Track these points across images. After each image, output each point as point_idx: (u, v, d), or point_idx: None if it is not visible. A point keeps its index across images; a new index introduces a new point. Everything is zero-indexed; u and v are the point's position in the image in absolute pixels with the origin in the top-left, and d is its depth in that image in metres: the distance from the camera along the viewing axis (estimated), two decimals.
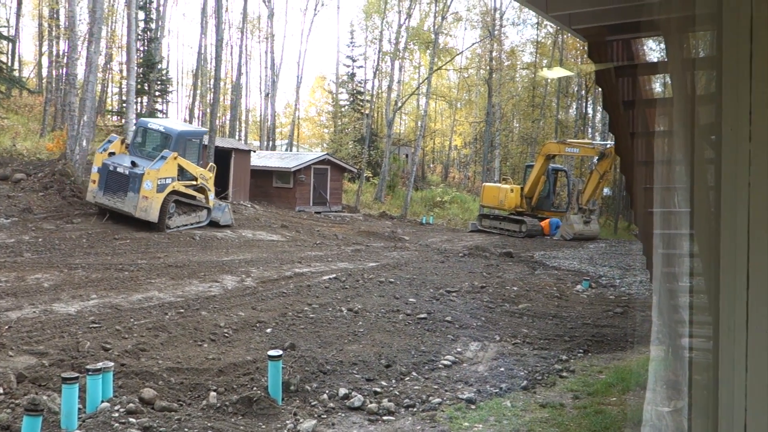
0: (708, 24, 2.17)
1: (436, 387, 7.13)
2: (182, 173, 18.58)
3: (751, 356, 1.69)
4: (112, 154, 17.86)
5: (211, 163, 22.29)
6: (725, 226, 1.74)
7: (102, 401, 5.76)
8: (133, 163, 17.41)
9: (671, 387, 3.29)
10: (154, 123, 19.94)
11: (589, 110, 49.88)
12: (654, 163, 3.84)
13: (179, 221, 18.55)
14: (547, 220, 28.87)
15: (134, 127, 20.09)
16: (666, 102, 3.86)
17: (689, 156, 2.37)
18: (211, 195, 20.41)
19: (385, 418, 6.21)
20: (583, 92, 47.91)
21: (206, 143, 25.72)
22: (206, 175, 19.98)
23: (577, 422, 6.01)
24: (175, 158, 17.91)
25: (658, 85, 4.47)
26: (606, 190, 35.43)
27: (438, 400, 6.67)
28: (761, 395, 1.68)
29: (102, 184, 17.40)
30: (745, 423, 1.70)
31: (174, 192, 18.00)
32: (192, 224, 19.05)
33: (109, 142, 18.50)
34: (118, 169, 17.28)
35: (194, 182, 19.37)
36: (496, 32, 47.86)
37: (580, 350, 9.01)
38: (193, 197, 19.22)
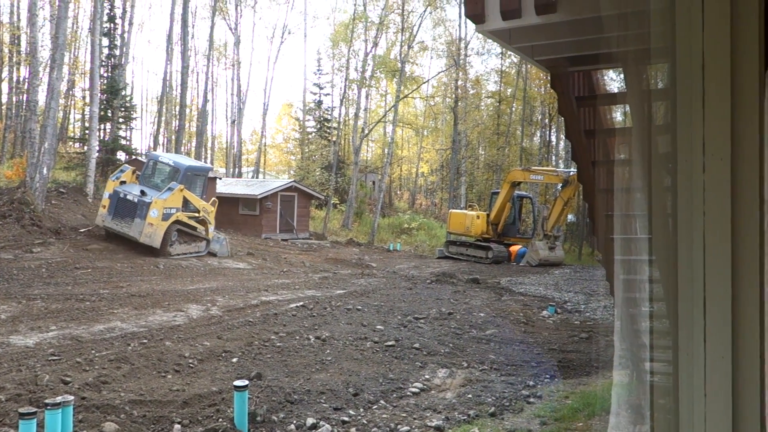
0: (663, 57, 2.25)
1: (404, 415, 7.10)
2: (186, 205, 19.64)
3: (710, 382, 1.73)
4: (123, 182, 19.22)
5: (214, 198, 23.04)
6: (681, 254, 1.79)
7: None
8: (143, 192, 18.75)
9: (635, 411, 3.33)
10: (164, 157, 21.46)
11: (553, 138, 50.75)
12: (614, 190, 3.93)
13: (180, 249, 19.61)
14: (515, 247, 29.15)
15: (145, 160, 21.70)
16: (625, 131, 3.96)
17: (647, 184, 2.43)
18: (211, 228, 21.28)
19: None
20: (547, 120, 48.85)
21: (213, 176, 26.68)
22: (208, 209, 20.96)
23: None
24: (181, 190, 19.17)
25: (618, 115, 4.59)
26: (570, 217, 35.98)
27: (406, 428, 6.63)
28: (720, 420, 1.72)
29: (111, 210, 18.86)
30: None
31: (177, 221, 19.22)
32: (191, 253, 19.97)
33: (122, 171, 19.89)
34: (128, 197, 18.67)
35: (197, 214, 20.40)
36: (461, 61, 48.60)
37: (547, 376, 9.07)
38: (194, 228, 20.26)
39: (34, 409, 5.41)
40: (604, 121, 4.46)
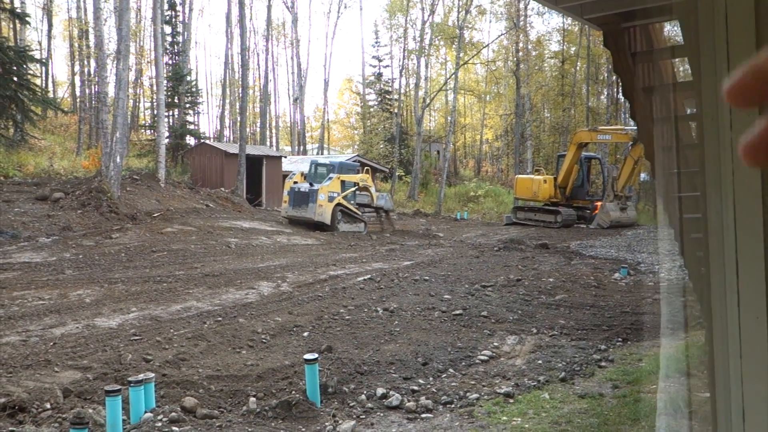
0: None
1: (473, 383, 7.12)
2: (344, 188, 24.18)
3: (745, 343, 1.66)
4: (296, 182, 24.17)
5: (366, 167, 30.04)
6: (711, 211, 1.72)
7: (145, 412, 5.89)
8: (311, 184, 23.73)
9: (710, 372, 3.25)
10: (322, 159, 28.33)
11: (620, 96, 49.04)
12: (678, 148, 3.78)
13: (345, 227, 24.15)
14: (599, 202, 28.61)
15: (309, 164, 26.83)
16: (687, 85, 3.80)
17: (715, 138, 2.33)
18: (373, 188, 26.29)
19: (423, 415, 6.22)
20: (614, 78, 47.14)
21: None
22: (364, 177, 25.75)
23: (616, 411, 5.95)
24: (338, 178, 23.93)
25: (677, 69, 4.38)
26: (643, 176, 34.87)
27: (476, 395, 6.66)
28: (757, 382, 1.65)
29: (291, 202, 24.04)
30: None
31: (340, 204, 23.92)
32: (353, 232, 24.19)
33: (293, 174, 25.04)
34: (301, 189, 23.76)
35: (357, 186, 24.98)
36: (521, 23, 47.43)
37: (619, 339, 8.90)
38: (354, 212, 24.81)
39: (119, 387, 5.69)
40: (664, 76, 4.26)
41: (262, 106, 48.65)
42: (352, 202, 24.87)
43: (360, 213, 25.16)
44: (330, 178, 23.80)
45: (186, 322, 9.45)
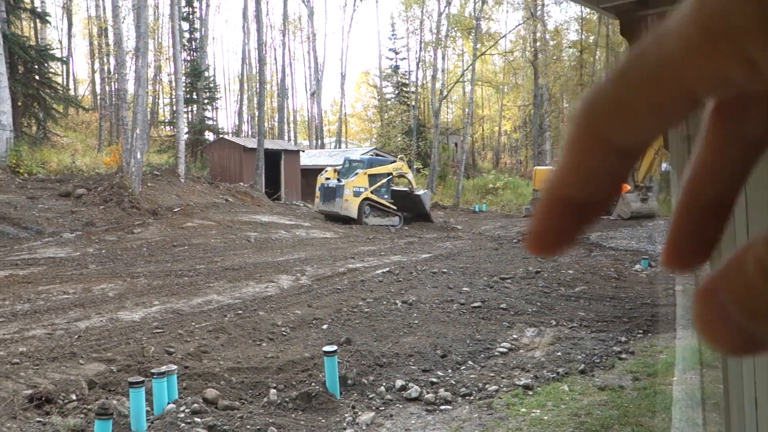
0: None
1: (492, 375, 7.14)
2: (372, 182, 24.73)
3: None
4: (327, 179, 24.95)
5: (400, 155, 32.28)
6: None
7: (168, 403, 5.99)
8: (339, 180, 24.40)
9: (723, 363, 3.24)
10: (354, 155, 28.51)
11: None
12: (694, 137, 3.73)
13: (374, 221, 24.63)
14: (626, 186, 28.47)
15: (342, 161, 27.35)
16: None
17: None
18: (410, 174, 27.06)
19: (442, 407, 6.26)
20: None
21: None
22: (398, 166, 26.39)
23: (636, 403, 5.94)
24: (365, 173, 24.56)
25: None
26: (664, 165, 34.49)
27: (495, 387, 6.68)
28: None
29: (321, 197, 24.89)
30: None
31: (367, 199, 24.52)
32: (385, 225, 24.65)
33: (326, 171, 25.82)
34: (329, 185, 24.57)
35: (391, 175, 25.69)
36: (538, 12, 47.07)
37: (640, 331, 8.87)
38: (386, 206, 25.21)
39: (143, 379, 5.80)
40: None
41: (280, 101, 48.83)
42: (385, 196, 25.36)
43: (394, 207, 25.53)
44: (356, 174, 24.48)
45: (207, 315, 9.56)
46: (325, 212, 24.95)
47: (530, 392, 6.52)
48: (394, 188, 26.58)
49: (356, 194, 24.20)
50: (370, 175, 24.83)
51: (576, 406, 6.05)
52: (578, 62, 51.09)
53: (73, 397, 6.16)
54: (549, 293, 11.47)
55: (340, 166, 26.29)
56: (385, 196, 25.45)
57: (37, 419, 5.60)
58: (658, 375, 6.76)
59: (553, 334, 8.84)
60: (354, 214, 24.02)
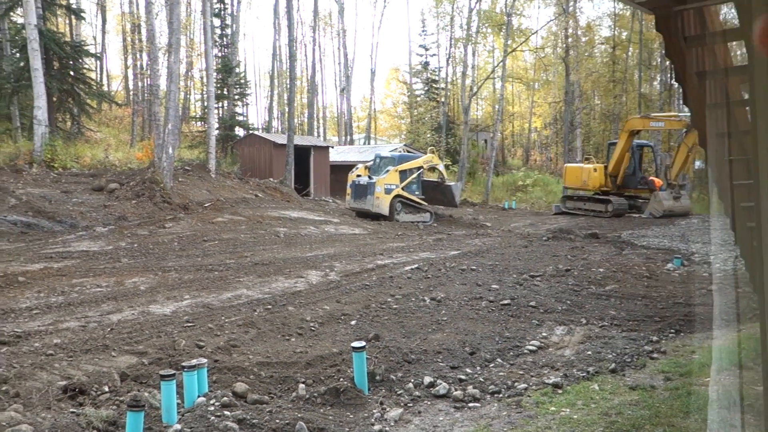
0: None
1: (521, 372, 7.08)
2: (403, 178, 24.90)
3: None
4: (359, 176, 25.39)
5: (431, 147, 31.62)
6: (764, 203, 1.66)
7: (198, 396, 6.04)
8: (370, 177, 24.87)
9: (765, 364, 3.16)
10: (385, 153, 27.91)
11: (674, 81, 47.68)
12: (734, 134, 3.66)
13: (406, 218, 24.94)
14: (659, 181, 28.30)
15: (371, 158, 27.85)
16: (743, 70, 3.67)
17: None
18: (441, 166, 27.12)
19: (470, 404, 6.22)
20: (668, 62, 45.82)
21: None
22: (428, 158, 26.33)
23: (668, 404, 5.83)
24: (396, 170, 24.68)
25: (734, 53, 4.23)
26: (698, 163, 33.91)
27: (524, 385, 6.62)
28: None
29: (353, 195, 25.28)
30: None
31: (399, 196, 24.76)
32: (417, 222, 24.87)
33: (357, 168, 26.17)
34: (361, 182, 25.03)
35: (421, 169, 25.92)
36: (570, 8, 46.50)
37: (672, 330, 8.72)
38: (418, 202, 25.46)
39: (174, 371, 5.85)
40: (718, 60, 4.12)
41: (310, 97, 49.03)
42: (416, 192, 25.55)
43: (425, 203, 25.73)
44: (387, 171, 24.70)
45: (237, 309, 9.64)
46: (357, 209, 25.30)
47: (560, 391, 6.44)
48: (424, 179, 26.72)
49: (387, 191, 24.49)
50: (400, 172, 25.00)
51: (606, 405, 5.97)
52: (611, 58, 50.39)
53: (106, 388, 6.25)
54: (579, 291, 11.35)
55: (371, 163, 26.46)
56: (416, 192, 25.60)
57: (71, 410, 5.69)
58: (691, 375, 6.64)
59: (583, 332, 8.73)
60: (386, 211, 24.30)
